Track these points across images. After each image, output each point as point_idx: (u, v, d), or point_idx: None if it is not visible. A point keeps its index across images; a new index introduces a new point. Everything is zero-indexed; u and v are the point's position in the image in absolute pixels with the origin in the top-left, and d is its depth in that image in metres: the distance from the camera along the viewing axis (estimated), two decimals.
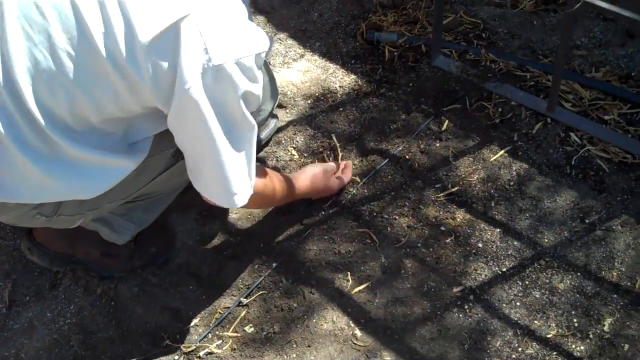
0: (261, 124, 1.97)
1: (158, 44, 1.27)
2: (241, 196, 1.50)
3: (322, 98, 2.27)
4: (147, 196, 1.78)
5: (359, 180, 2.01)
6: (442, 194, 1.96)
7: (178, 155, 1.62)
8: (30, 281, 1.90)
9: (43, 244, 1.84)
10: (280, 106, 2.24)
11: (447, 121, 2.13)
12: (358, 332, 1.73)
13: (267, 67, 1.89)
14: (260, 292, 1.82)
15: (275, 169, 2.07)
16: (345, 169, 2.00)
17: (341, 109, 2.23)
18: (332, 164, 1.99)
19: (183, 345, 1.74)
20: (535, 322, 1.70)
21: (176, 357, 1.73)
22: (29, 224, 1.65)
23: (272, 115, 2.17)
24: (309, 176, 1.89)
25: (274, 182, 1.71)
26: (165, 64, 1.28)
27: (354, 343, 1.71)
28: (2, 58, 1.29)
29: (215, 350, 1.72)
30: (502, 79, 2.21)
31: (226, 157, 1.41)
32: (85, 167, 1.43)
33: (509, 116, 2.11)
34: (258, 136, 2.09)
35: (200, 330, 1.77)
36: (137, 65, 1.29)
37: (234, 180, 1.46)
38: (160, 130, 1.50)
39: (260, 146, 2.12)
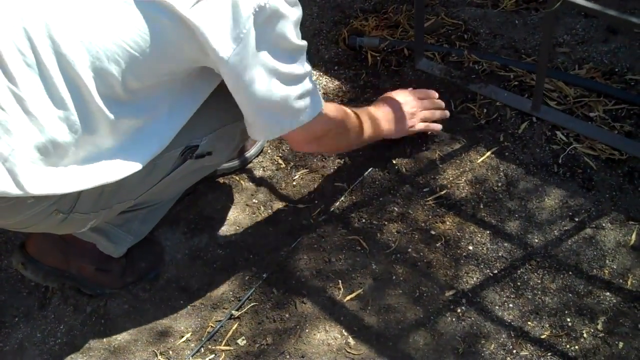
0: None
1: None
2: (314, 106, 1.58)
3: None
4: (145, 205, 1.77)
5: (346, 187, 2.00)
6: (430, 198, 1.95)
7: (186, 155, 1.62)
8: (18, 302, 1.88)
9: (37, 259, 1.81)
10: None
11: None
12: (351, 341, 1.72)
13: None
14: (252, 304, 1.81)
15: (262, 179, 2.06)
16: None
17: None
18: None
19: None
20: (529, 323, 1.69)
21: None
22: (42, 224, 1.59)
23: None
24: (388, 115, 1.95)
25: (346, 112, 1.78)
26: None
27: (348, 352, 1.70)
28: None
29: None
30: (486, 79, 2.20)
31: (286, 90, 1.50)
32: (140, 130, 1.48)
33: (494, 117, 2.11)
34: (244, 155, 2.09)
35: (193, 345, 1.75)
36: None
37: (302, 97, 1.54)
38: (198, 104, 1.57)
39: (247, 162, 2.11)
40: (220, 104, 1.62)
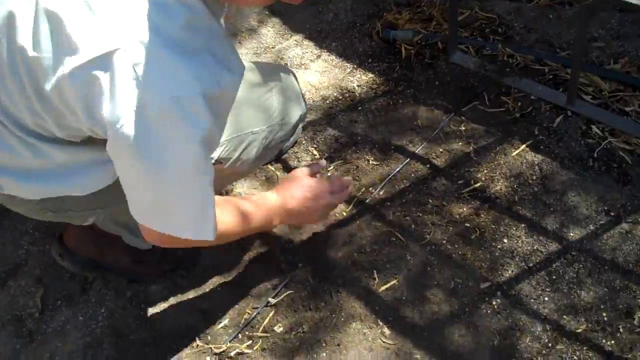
0: (286, 138, 1.94)
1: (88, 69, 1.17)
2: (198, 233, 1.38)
3: (341, 98, 2.28)
4: None
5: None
6: (465, 191, 1.97)
7: None
8: (61, 286, 1.92)
9: (73, 250, 1.86)
10: None
11: (466, 117, 2.13)
12: (387, 330, 1.74)
13: (287, 79, 1.88)
14: (288, 292, 1.83)
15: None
16: (342, 190, 1.78)
17: (360, 107, 2.24)
18: (324, 184, 1.74)
19: (214, 345, 1.75)
20: (564, 317, 1.71)
21: (207, 358, 1.74)
22: (41, 218, 1.64)
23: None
24: (294, 208, 1.68)
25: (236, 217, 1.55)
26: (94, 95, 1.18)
27: (383, 341, 1.72)
28: None
29: (246, 351, 1.74)
30: (520, 73, 2.21)
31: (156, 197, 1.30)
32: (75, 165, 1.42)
33: (528, 110, 2.12)
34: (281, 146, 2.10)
35: (230, 331, 1.78)
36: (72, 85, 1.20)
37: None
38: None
39: (282, 153, 2.13)
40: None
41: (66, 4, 1.18)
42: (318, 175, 1.80)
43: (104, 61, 1.14)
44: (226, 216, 1.50)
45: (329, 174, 2.06)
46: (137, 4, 1.15)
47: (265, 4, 1.32)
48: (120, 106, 1.15)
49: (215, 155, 1.63)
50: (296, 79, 1.91)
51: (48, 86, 1.21)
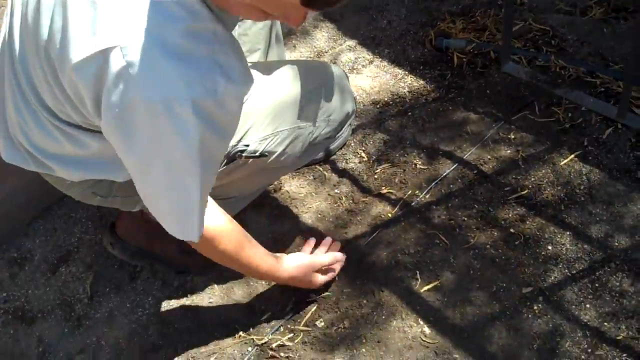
0: (332, 134, 1.93)
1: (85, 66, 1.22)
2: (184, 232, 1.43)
3: (391, 103, 2.31)
4: (218, 197, 1.83)
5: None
6: (511, 197, 1.98)
7: (234, 155, 1.65)
8: (110, 274, 1.98)
9: (124, 239, 1.92)
10: None
11: (516, 126, 2.14)
12: (427, 330, 1.76)
13: (338, 80, 1.89)
14: (331, 289, 1.86)
15: (345, 170, 2.11)
16: (334, 264, 1.86)
17: (410, 113, 2.26)
18: (322, 258, 1.83)
19: (256, 337, 1.79)
20: (605, 324, 1.70)
21: (249, 349, 1.78)
22: (92, 202, 1.71)
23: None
24: (292, 267, 1.76)
25: (241, 245, 1.63)
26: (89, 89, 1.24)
27: (423, 340, 1.74)
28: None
29: (287, 343, 1.77)
30: (572, 85, 2.21)
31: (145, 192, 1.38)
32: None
33: (579, 121, 2.12)
34: (329, 147, 2.14)
35: (272, 324, 1.82)
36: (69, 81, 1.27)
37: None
38: None
39: (330, 154, 2.17)
40: (270, 111, 1.68)
41: None
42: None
43: (101, 57, 1.18)
44: (231, 233, 1.58)
45: (375, 177, 2.09)
46: (139, 6, 1.18)
47: (258, 20, 1.32)
48: (109, 103, 1.20)
49: (260, 148, 1.68)
50: (346, 77, 1.94)
51: (62, 76, 1.27)
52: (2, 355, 1.84)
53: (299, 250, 1.88)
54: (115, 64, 1.17)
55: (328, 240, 1.91)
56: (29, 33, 1.34)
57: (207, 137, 1.24)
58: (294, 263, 1.76)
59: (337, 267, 1.87)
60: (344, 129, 1.99)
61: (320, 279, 1.82)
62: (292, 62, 1.84)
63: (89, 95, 1.24)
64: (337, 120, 1.85)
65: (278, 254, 1.76)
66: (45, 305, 1.94)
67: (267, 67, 1.80)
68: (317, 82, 1.80)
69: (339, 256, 1.87)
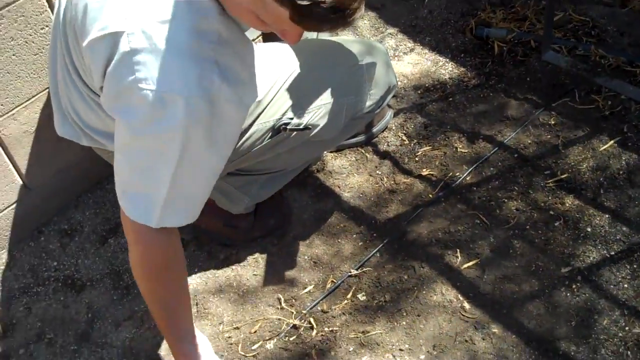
0: (373, 110, 1.95)
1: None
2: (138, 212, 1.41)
3: (432, 88, 2.35)
4: (266, 171, 1.89)
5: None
6: (551, 181, 2.01)
7: (279, 128, 1.70)
8: None
9: None
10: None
11: (556, 112, 2.18)
12: (467, 305, 1.80)
13: (380, 57, 1.92)
14: (372, 265, 1.91)
15: (386, 152, 2.15)
16: None
17: (450, 99, 2.30)
18: None
19: (297, 308, 1.84)
20: None
21: (290, 320, 1.83)
22: None
23: (388, 106, 2.26)
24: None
25: (178, 283, 1.57)
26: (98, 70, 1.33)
27: (462, 315, 1.78)
28: None
29: (328, 314, 1.82)
30: (611, 74, 2.24)
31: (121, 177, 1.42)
32: None
33: (618, 109, 2.15)
34: (371, 129, 2.19)
35: (314, 296, 1.87)
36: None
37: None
38: None
39: (373, 137, 2.22)
40: (313, 85, 1.72)
41: None
42: None
43: (111, 40, 1.28)
44: (170, 250, 1.52)
45: (416, 159, 2.13)
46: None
47: (256, 28, 1.35)
48: (110, 83, 1.30)
49: (304, 121, 1.73)
50: (387, 54, 1.98)
51: (80, 50, 1.38)
52: (53, 320, 1.90)
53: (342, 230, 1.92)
54: (122, 47, 1.26)
55: None
56: (69, 6, 1.44)
57: (192, 135, 1.30)
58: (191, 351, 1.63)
59: None
60: (386, 114, 2.04)
61: None
62: (337, 39, 1.89)
63: (96, 71, 1.34)
64: (379, 95, 1.88)
65: (200, 343, 1.64)
66: (94, 274, 2.01)
67: (314, 43, 1.85)
68: (360, 57, 1.84)
69: None
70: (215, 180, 1.47)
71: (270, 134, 1.72)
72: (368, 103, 1.86)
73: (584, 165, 2.03)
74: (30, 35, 1.79)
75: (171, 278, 1.55)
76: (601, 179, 1.99)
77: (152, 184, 1.37)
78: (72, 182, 2.13)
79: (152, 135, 1.30)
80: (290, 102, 1.70)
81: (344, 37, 1.94)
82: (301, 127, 1.73)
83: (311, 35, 2.02)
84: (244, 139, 1.69)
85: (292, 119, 1.72)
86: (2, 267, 2.03)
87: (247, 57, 1.39)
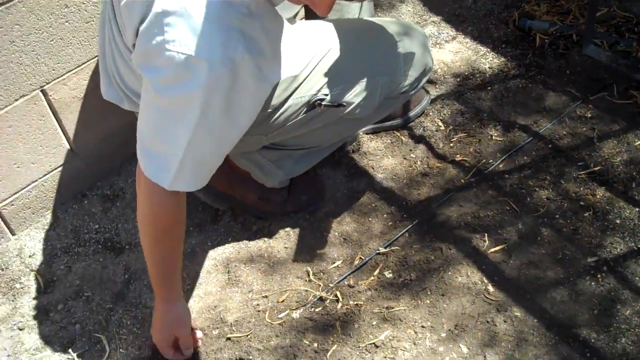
0: (408, 90, 1.94)
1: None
2: (155, 172, 1.48)
3: (471, 77, 2.38)
4: (301, 147, 1.94)
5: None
6: (583, 172, 2.03)
7: (314, 103, 1.75)
8: (195, 214, 2.11)
9: (208, 182, 2.04)
10: (430, 82, 2.37)
11: (594, 106, 2.19)
12: (491, 288, 1.83)
13: (418, 39, 1.94)
14: (400, 244, 1.95)
15: (422, 137, 2.19)
16: (185, 350, 1.76)
17: (489, 87, 2.33)
18: (189, 339, 1.75)
19: (325, 282, 1.89)
20: None
21: (317, 292, 1.88)
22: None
23: (425, 90, 2.29)
24: (177, 305, 1.72)
25: (174, 229, 1.62)
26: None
27: (486, 297, 1.81)
28: None
29: (354, 288, 1.87)
30: None
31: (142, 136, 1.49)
32: None
33: None
34: (407, 113, 2.23)
35: (342, 271, 1.92)
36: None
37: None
38: None
39: (409, 121, 2.26)
40: (349, 63, 1.75)
41: None
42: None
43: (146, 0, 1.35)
44: (176, 214, 1.59)
45: (451, 145, 2.16)
46: None
47: (289, 0, 1.42)
48: (141, 41, 1.37)
49: (339, 98, 1.77)
50: (425, 36, 1.99)
51: (121, 6, 1.46)
52: (91, 279, 1.98)
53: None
54: (155, 8, 1.33)
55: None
56: None
57: (211, 101, 1.36)
58: (181, 308, 1.71)
59: (187, 353, 1.76)
60: (423, 99, 2.07)
61: (164, 342, 1.74)
62: (376, 19, 1.93)
63: (130, 29, 1.42)
64: (414, 75, 1.91)
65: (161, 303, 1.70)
66: (133, 238, 2.08)
67: (352, 22, 1.89)
68: (398, 38, 1.87)
69: (189, 352, 1.77)
70: (229, 150, 1.53)
71: (305, 108, 1.77)
72: (403, 84, 1.89)
73: (617, 159, 2.04)
74: (83, 3, 1.86)
75: (174, 238, 1.62)
76: (634, 173, 2.00)
77: (169, 145, 1.43)
78: (116, 149, 2.21)
79: (174, 97, 1.37)
80: (326, 79, 1.75)
81: (384, 19, 1.97)
82: (336, 104, 1.78)
83: (352, 14, 2.07)
84: (279, 112, 1.74)
85: (327, 95, 1.76)
86: (46, 227, 2.12)
87: (274, 33, 1.44)
